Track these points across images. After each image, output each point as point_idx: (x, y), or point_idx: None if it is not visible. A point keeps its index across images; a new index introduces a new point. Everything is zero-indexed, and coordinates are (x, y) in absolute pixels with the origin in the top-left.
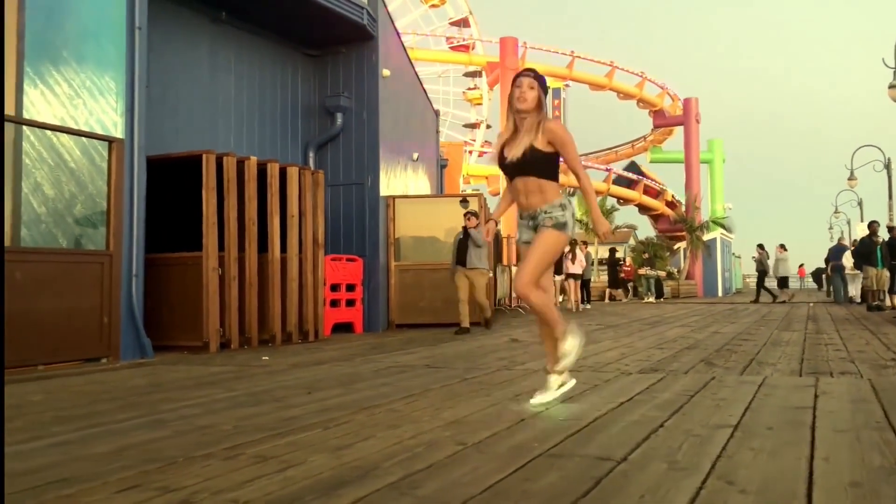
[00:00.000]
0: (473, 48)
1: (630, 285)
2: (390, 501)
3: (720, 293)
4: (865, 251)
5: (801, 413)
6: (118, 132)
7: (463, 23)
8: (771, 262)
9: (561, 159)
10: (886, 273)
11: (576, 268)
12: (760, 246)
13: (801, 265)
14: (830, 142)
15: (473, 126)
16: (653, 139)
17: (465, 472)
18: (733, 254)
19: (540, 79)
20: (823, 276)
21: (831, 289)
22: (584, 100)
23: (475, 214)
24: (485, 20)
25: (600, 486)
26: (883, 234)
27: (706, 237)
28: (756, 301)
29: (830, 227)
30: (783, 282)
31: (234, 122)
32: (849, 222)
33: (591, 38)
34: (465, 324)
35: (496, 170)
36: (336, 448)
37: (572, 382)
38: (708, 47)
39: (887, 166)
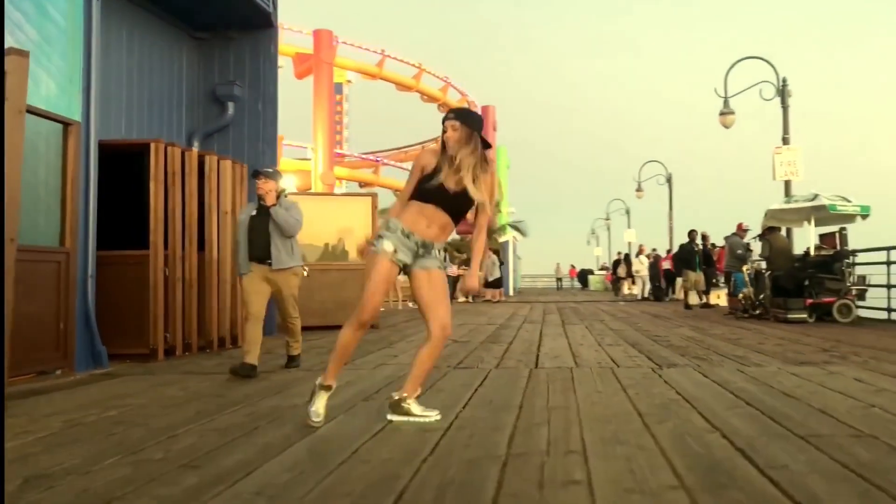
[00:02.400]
0: None
1: None
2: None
3: (511, 293)
4: (687, 256)
5: None
6: (72, 114)
7: None
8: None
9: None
10: (702, 276)
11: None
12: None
13: (571, 266)
14: (620, 156)
15: None
16: None
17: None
18: (517, 255)
19: (462, 116)
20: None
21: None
22: (372, 97)
23: (271, 176)
24: (290, 8)
25: None
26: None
27: (501, 240)
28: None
29: (593, 232)
30: (496, 283)
31: (124, 104)
32: (608, 228)
33: (401, 39)
34: (252, 357)
35: (303, 164)
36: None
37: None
38: (508, 55)
39: (669, 180)
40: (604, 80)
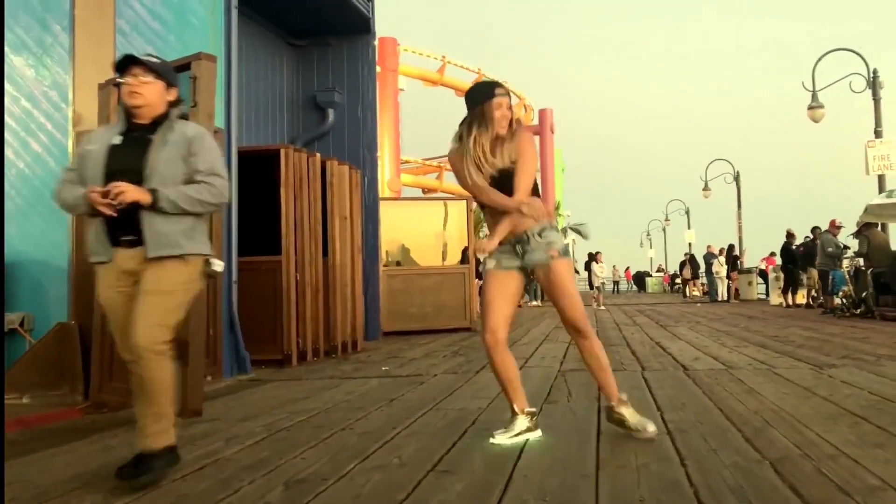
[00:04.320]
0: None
1: None
2: None
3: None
4: (811, 253)
5: None
6: (217, 122)
7: None
8: None
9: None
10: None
11: None
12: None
13: (626, 268)
14: (661, 159)
15: None
16: None
17: None
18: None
19: (509, 96)
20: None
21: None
22: (422, 105)
23: (160, 72)
24: None
25: None
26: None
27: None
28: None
29: (648, 234)
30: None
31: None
32: (664, 230)
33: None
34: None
35: None
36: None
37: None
38: (559, 60)
39: (737, 178)
40: (664, 79)
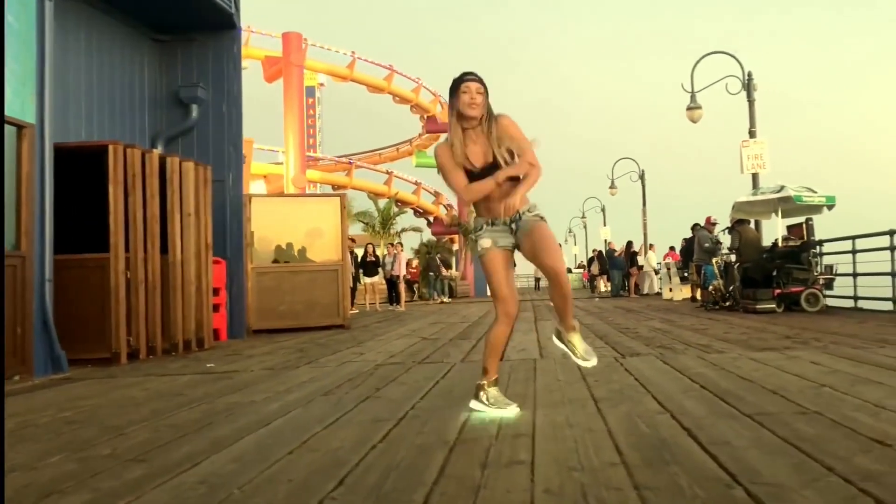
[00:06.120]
0: None
1: (416, 286)
2: None
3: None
4: (691, 249)
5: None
6: (25, 117)
7: None
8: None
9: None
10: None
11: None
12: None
13: None
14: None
15: None
16: (419, 143)
17: None
18: None
19: (483, 82)
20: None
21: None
22: (345, 100)
23: None
24: (259, 12)
25: None
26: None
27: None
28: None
29: (570, 231)
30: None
31: (84, 108)
32: (585, 227)
33: (370, 40)
34: None
35: (275, 168)
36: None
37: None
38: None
39: (641, 177)
40: (577, 80)
